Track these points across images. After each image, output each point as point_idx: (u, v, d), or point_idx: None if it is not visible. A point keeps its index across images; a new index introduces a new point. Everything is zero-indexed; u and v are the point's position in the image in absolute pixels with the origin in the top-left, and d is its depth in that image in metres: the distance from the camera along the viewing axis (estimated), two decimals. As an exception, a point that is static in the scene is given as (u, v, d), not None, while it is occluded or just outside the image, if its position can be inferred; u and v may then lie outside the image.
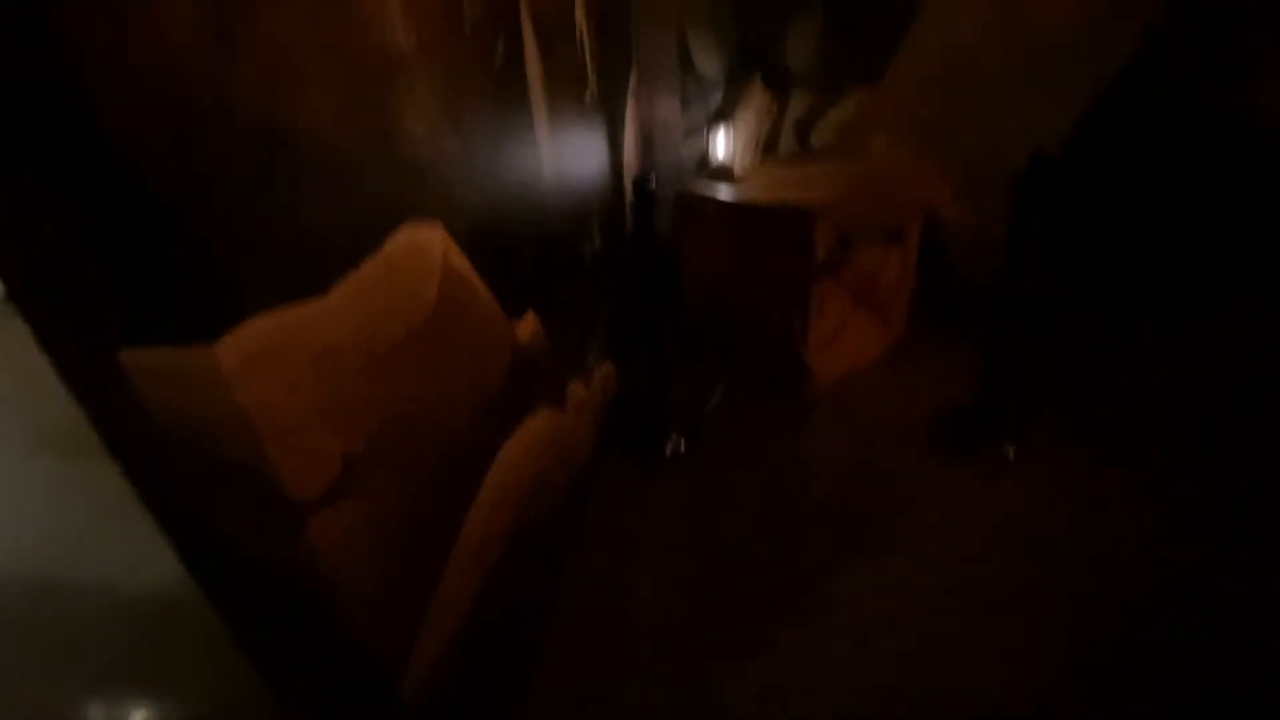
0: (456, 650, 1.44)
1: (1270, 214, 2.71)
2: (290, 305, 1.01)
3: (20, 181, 0.72)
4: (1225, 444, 2.37)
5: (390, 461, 1.26)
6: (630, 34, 2.50)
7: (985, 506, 2.20)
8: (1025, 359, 2.43)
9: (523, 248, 1.92)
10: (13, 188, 0.72)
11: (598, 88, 2.33)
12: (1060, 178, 2.24)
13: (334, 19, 1.09)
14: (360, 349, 1.17)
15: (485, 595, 1.54)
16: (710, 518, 2.25)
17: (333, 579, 1.12)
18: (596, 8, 2.28)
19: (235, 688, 1.20)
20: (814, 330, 2.75)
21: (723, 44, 3.38)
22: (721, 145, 2.90)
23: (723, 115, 3.32)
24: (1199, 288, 2.88)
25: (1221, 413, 2.51)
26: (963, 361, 2.66)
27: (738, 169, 3.05)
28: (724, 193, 2.80)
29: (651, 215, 2.21)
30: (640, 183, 2.18)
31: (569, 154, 2.12)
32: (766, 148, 3.49)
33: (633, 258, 2.43)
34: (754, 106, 3.36)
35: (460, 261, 1.52)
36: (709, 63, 3.34)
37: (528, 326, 1.90)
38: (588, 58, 2.24)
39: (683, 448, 2.53)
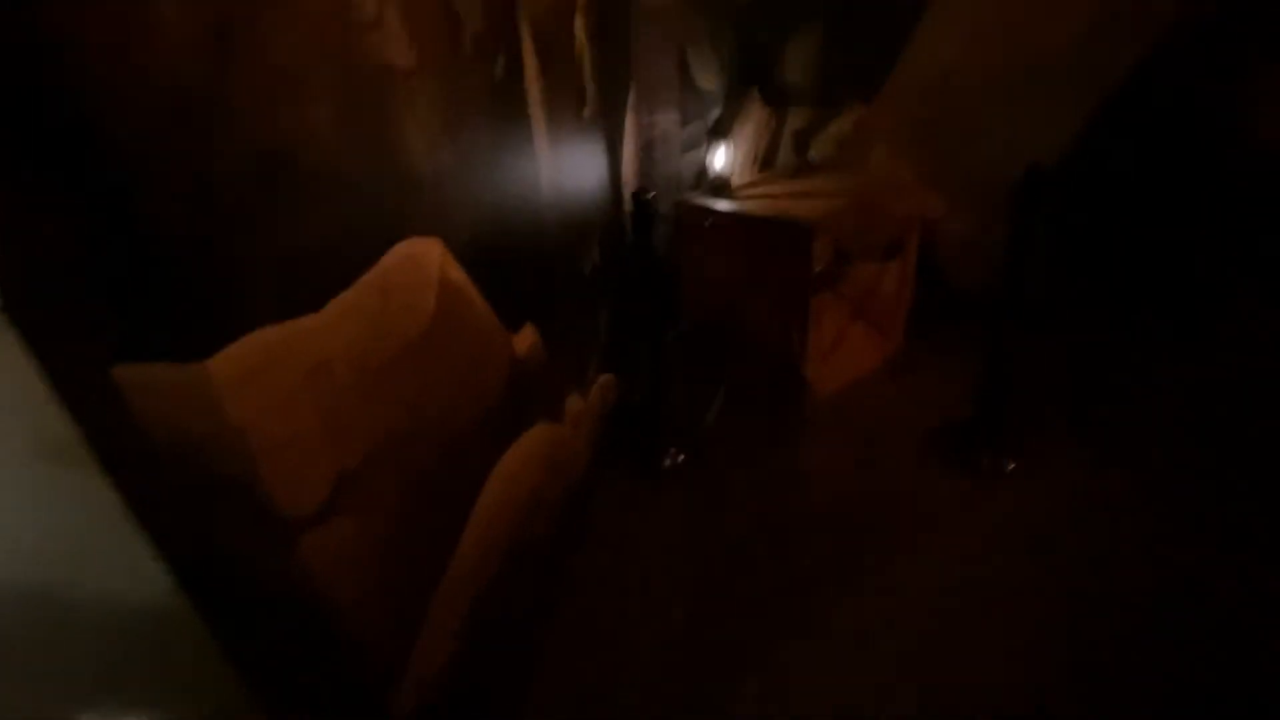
0: (452, 663, 1.43)
1: (1270, 215, 2.73)
2: (285, 321, 1.01)
3: (16, 196, 0.73)
4: (1225, 444, 2.37)
5: (385, 476, 1.25)
6: (630, 49, 2.55)
7: (984, 517, 2.20)
8: (1025, 361, 2.44)
9: (521, 261, 1.94)
10: (9, 202, 0.73)
11: (597, 102, 2.38)
12: (1058, 189, 2.25)
13: (333, 39, 1.12)
14: (355, 364, 1.17)
15: (482, 608, 1.53)
16: (708, 526, 2.27)
17: (325, 595, 1.11)
18: (597, 24, 2.33)
19: (231, 698, 1.21)
20: (812, 342, 2.77)
21: (721, 59, 3.43)
22: (720, 159, 2.94)
23: (722, 129, 3.37)
24: (1199, 288, 2.89)
25: (1221, 413, 2.51)
26: (961, 373, 2.66)
27: (736, 182, 3.09)
28: (723, 206, 2.84)
29: (650, 228, 2.23)
30: (639, 195, 2.20)
31: (568, 167, 2.16)
32: (765, 161, 3.53)
33: (632, 270, 2.46)
34: (753, 120, 3.41)
35: (458, 275, 1.54)
36: (708, 77, 3.39)
37: (526, 339, 1.92)
38: (587, 73, 2.29)
39: (681, 460, 2.55)
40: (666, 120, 2.75)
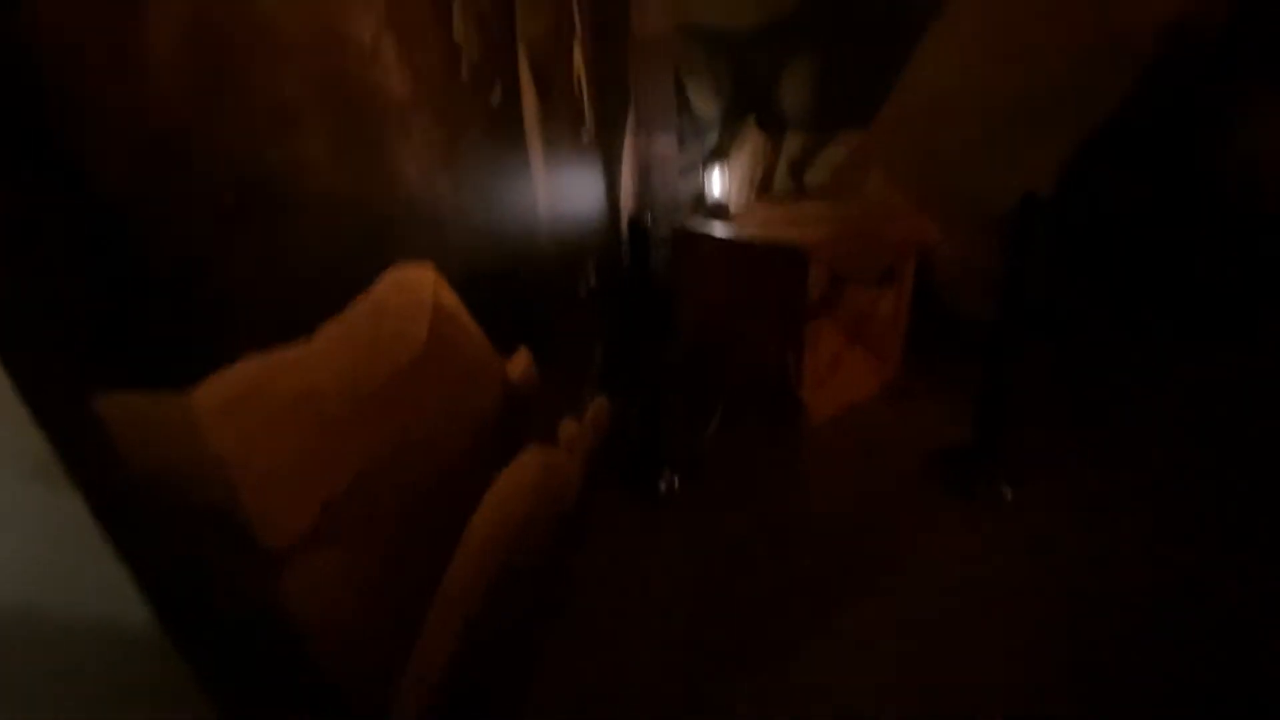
0: (442, 690, 1.42)
1: (1269, 217, 2.75)
2: (272, 349, 1.01)
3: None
4: (1225, 444, 2.38)
5: (374, 504, 1.24)
6: (628, 75, 2.62)
7: (982, 538, 2.19)
8: (1024, 364, 2.42)
9: (516, 285, 1.94)
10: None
11: (595, 127, 2.45)
12: (1053, 217, 2.28)
13: (326, 69, 1.14)
14: (344, 392, 1.16)
15: (472, 634, 1.52)
16: (704, 550, 2.24)
17: (306, 627, 1.09)
18: (595, 51, 2.40)
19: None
20: (809, 367, 2.79)
21: (719, 85, 3.53)
22: (717, 184, 3.02)
23: (719, 154, 3.46)
24: (1199, 288, 2.90)
25: (1221, 413, 2.52)
26: (957, 398, 2.66)
27: (733, 207, 3.16)
28: (719, 231, 2.89)
29: (647, 252, 2.26)
30: (636, 219, 2.25)
31: (565, 192, 2.23)
32: (762, 187, 3.61)
33: (628, 294, 2.48)
34: (750, 146, 3.50)
35: (451, 300, 1.55)
36: (705, 104, 3.49)
37: (520, 364, 1.93)
38: (585, 98, 2.36)
39: (677, 483, 2.53)
40: (664, 145, 2.83)
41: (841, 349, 2.93)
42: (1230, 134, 2.80)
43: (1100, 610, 1.85)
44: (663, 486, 2.51)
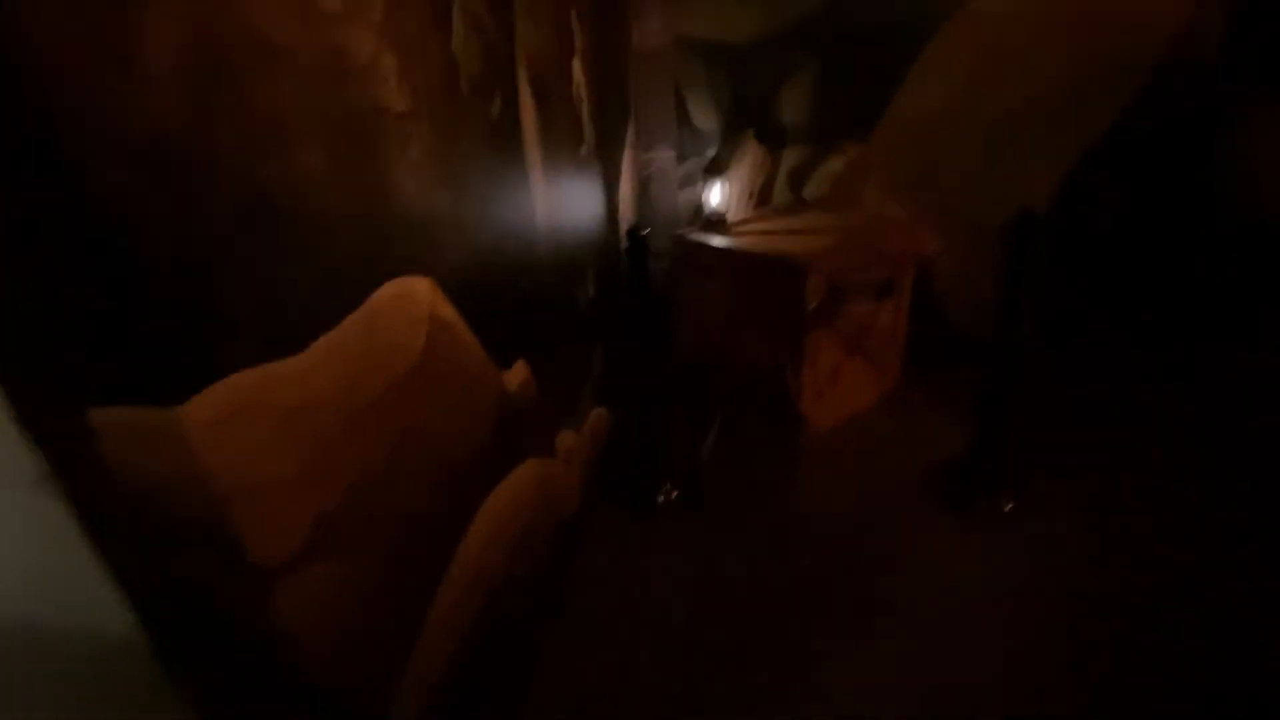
0: (442, 690, 1.39)
1: (1269, 218, 2.77)
2: (266, 363, 1.02)
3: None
4: (1225, 444, 2.38)
5: (369, 517, 1.23)
6: (628, 88, 2.64)
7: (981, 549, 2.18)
8: (1022, 368, 2.39)
9: (515, 296, 1.97)
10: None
11: (595, 140, 2.48)
12: (1050, 232, 2.29)
13: (326, 85, 1.20)
14: (338, 406, 1.16)
15: (466, 648, 1.49)
16: (703, 561, 2.23)
17: (300, 640, 1.08)
18: (595, 65, 2.43)
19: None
20: (808, 378, 2.78)
21: (718, 99, 3.58)
22: (717, 195, 3.04)
23: (718, 166, 3.50)
24: (1199, 289, 2.91)
25: (1221, 413, 2.52)
26: (958, 410, 2.66)
27: (732, 219, 3.18)
28: (718, 242, 2.89)
29: (646, 263, 2.27)
30: (635, 231, 2.25)
31: (564, 204, 2.27)
32: (761, 198, 3.65)
33: (627, 305, 2.48)
34: (749, 158, 3.54)
35: (448, 312, 1.56)
36: (705, 116, 3.54)
37: (517, 375, 1.93)
38: (585, 112, 2.40)
39: (675, 495, 2.51)
40: (663, 157, 2.86)
41: (841, 360, 2.93)
42: (1230, 140, 2.82)
43: (1100, 610, 1.85)
44: (661, 499, 2.51)
